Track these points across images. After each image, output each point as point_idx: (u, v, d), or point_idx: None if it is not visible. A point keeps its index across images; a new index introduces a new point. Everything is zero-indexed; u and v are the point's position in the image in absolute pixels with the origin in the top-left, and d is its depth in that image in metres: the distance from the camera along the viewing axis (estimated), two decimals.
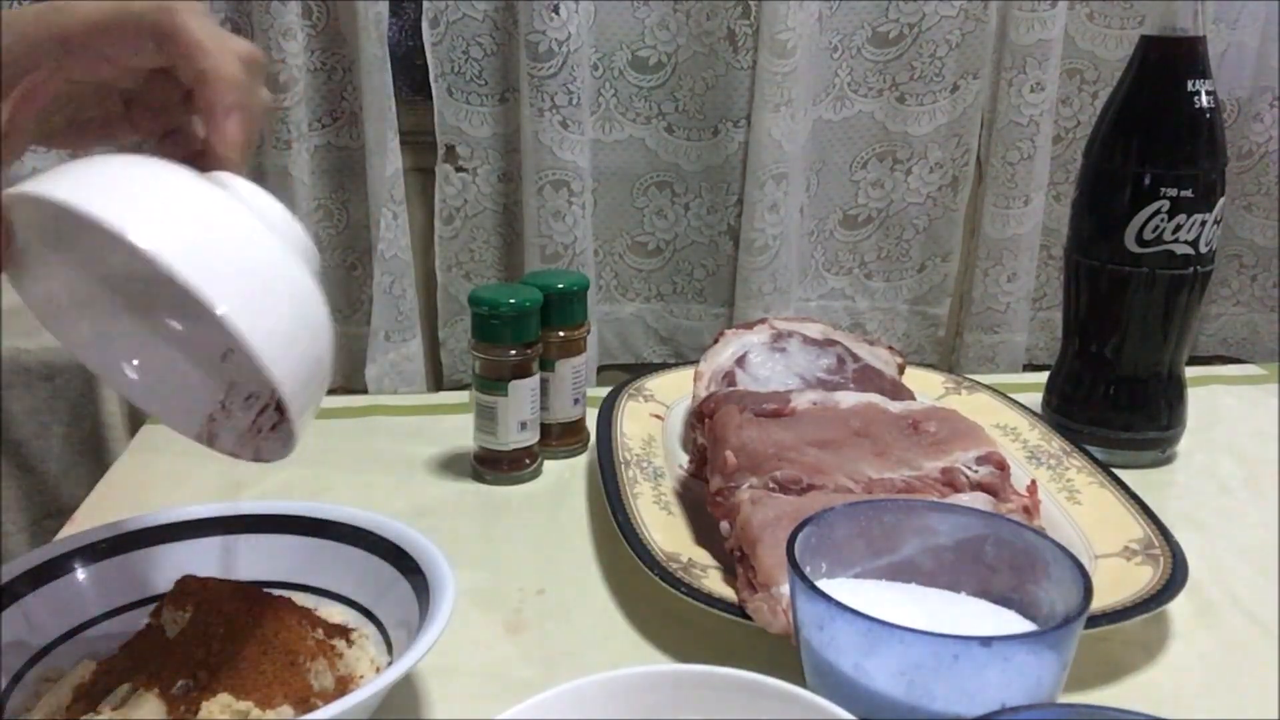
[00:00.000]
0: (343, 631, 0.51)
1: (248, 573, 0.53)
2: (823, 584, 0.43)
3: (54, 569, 0.51)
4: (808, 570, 0.43)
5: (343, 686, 0.47)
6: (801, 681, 0.40)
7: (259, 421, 0.48)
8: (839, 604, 0.40)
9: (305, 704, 0.45)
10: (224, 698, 0.44)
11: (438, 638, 0.45)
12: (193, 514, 0.55)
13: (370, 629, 0.52)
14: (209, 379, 0.50)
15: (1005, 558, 0.46)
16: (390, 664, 0.46)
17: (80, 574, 0.52)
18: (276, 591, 0.52)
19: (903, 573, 0.47)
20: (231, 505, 0.56)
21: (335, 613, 0.53)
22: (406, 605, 0.50)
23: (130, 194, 0.38)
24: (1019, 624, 0.44)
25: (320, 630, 0.50)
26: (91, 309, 0.48)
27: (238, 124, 0.43)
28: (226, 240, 0.39)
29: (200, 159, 0.43)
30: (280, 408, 0.46)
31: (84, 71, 0.44)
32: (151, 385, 0.50)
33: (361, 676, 0.49)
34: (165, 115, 0.48)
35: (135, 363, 0.50)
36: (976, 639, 0.38)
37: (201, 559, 0.53)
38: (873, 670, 0.39)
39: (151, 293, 0.48)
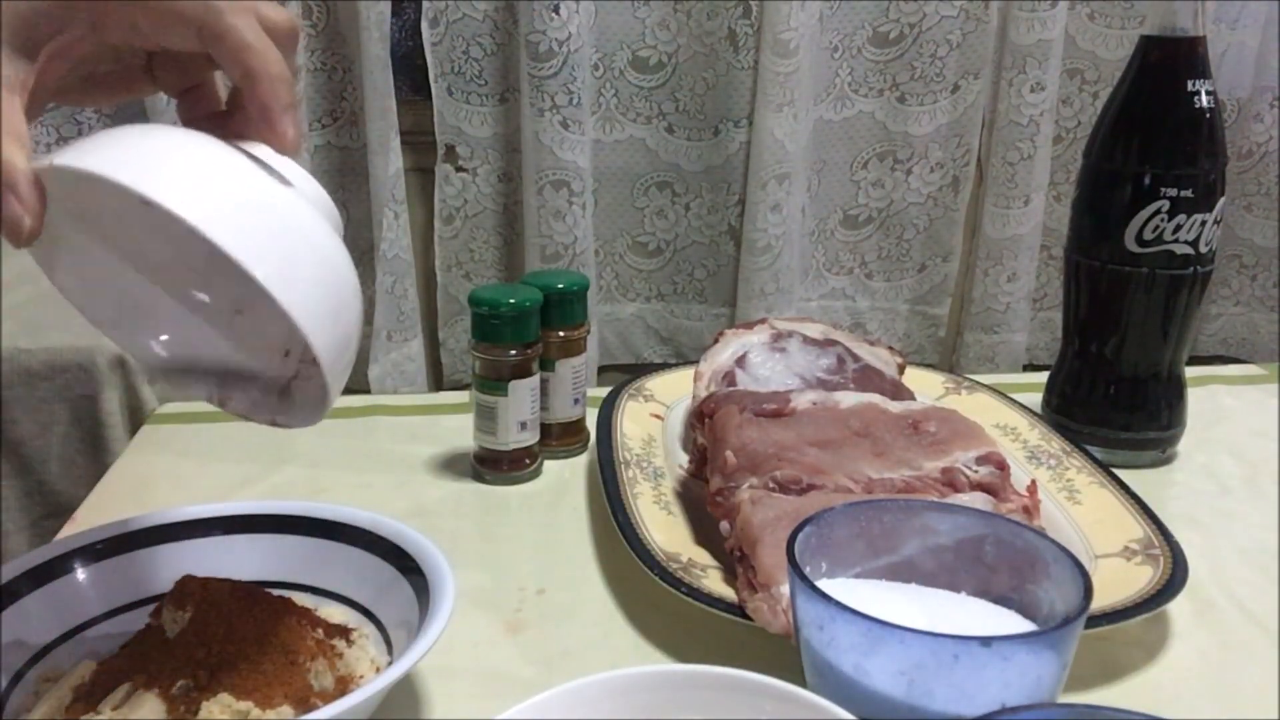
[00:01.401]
0: (343, 631, 0.51)
1: (247, 573, 0.53)
2: (823, 584, 0.43)
3: (54, 569, 0.51)
4: (807, 570, 0.43)
5: (343, 686, 0.47)
6: (801, 681, 0.40)
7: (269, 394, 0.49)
8: (839, 604, 0.40)
9: (305, 704, 0.45)
10: (224, 698, 0.44)
11: (438, 638, 0.45)
12: (193, 514, 0.55)
13: (370, 629, 0.52)
14: (227, 344, 0.49)
15: (1005, 558, 0.46)
16: (390, 664, 0.46)
17: (80, 574, 0.52)
18: (276, 591, 0.52)
19: (903, 573, 0.47)
20: (231, 505, 0.56)
21: (335, 613, 0.53)
22: (406, 605, 0.50)
23: (160, 161, 0.38)
24: (1019, 624, 0.44)
25: (320, 630, 0.50)
26: (115, 286, 0.48)
27: (293, 122, 0.43)
28: (260, 205, 0.39)
29: (223, 120, 0.43)
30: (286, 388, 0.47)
31: (119, 38, 0.42)
32: (176, 356, 0.50)
33: (361, 676, 0.49)
34: (188, 71, 0.46)
35: (163, 338, 0.50)
36: (976, 639, 0.38)
37: (201, 559, 0.53)
38: (873, 670, 0.39)
39: (174, 264, 0.48)
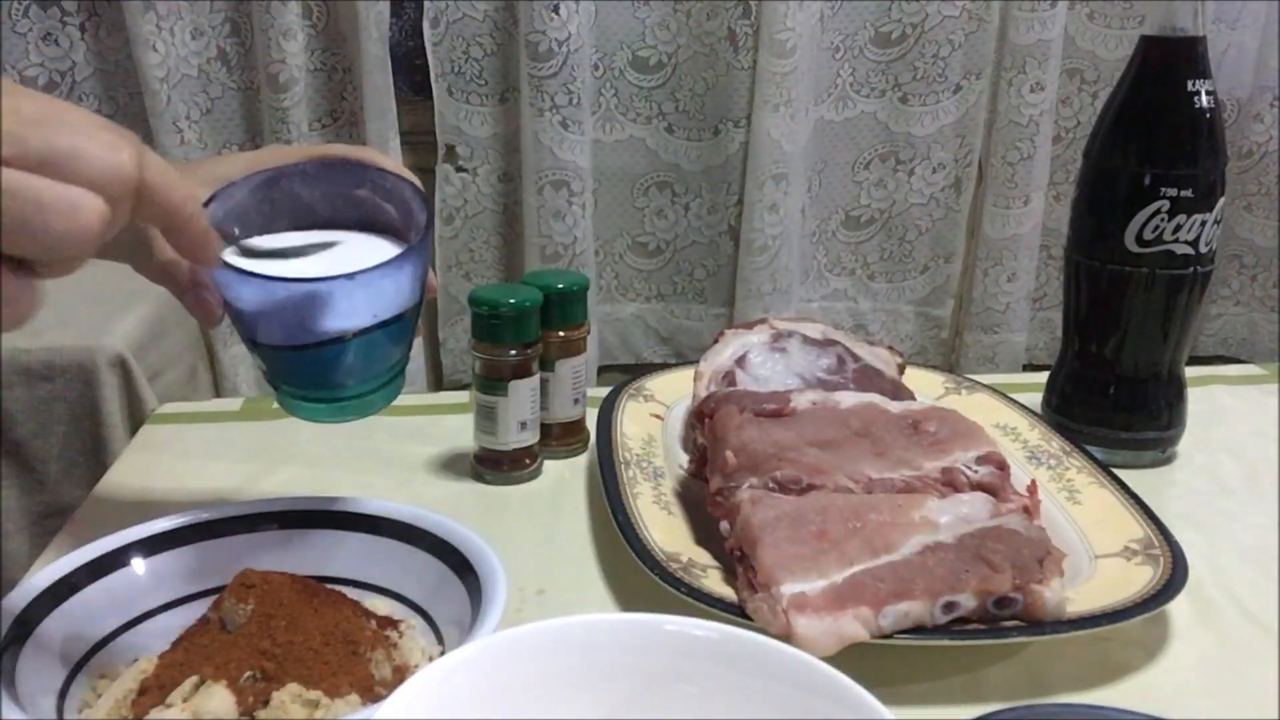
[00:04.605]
0: (391, 623, 0.52)
1: (291, 567, 0.53)
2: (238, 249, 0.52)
3: (111, 562, 0.52)
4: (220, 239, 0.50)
5: (400, 675, 0.48)
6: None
7: None
8: (236, 269, 0.48)
9: (370, 692, 0.46)
10: (294, 687, 0.45)
11: (500, 616, 0.46)
12: (235, 511, 0.56)
13: (417, 620, 0.52)
14: None
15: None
16: (443, 652, 0.47)
17: (136, 568, 0.52)
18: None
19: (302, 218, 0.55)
20: (276, 502, 0.58)
21: (380, 605, 0.53)
22: (457, 600, 0.50)
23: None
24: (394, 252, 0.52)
25: (373, 621, 0.51)
26: None
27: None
28: None
29: None
30: None
31: None
32: None
33: (415, 665, 0.49)
34: None
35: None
36: (342, 276, 0.48)
37: (246, 554, 0.54)
38: (273, 311, 0.49)
39: None
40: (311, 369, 0.52)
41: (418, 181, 0.55)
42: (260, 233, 0.54)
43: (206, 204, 0.51)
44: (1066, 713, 0.36)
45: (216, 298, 0.51)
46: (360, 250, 0.54)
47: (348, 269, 0.49)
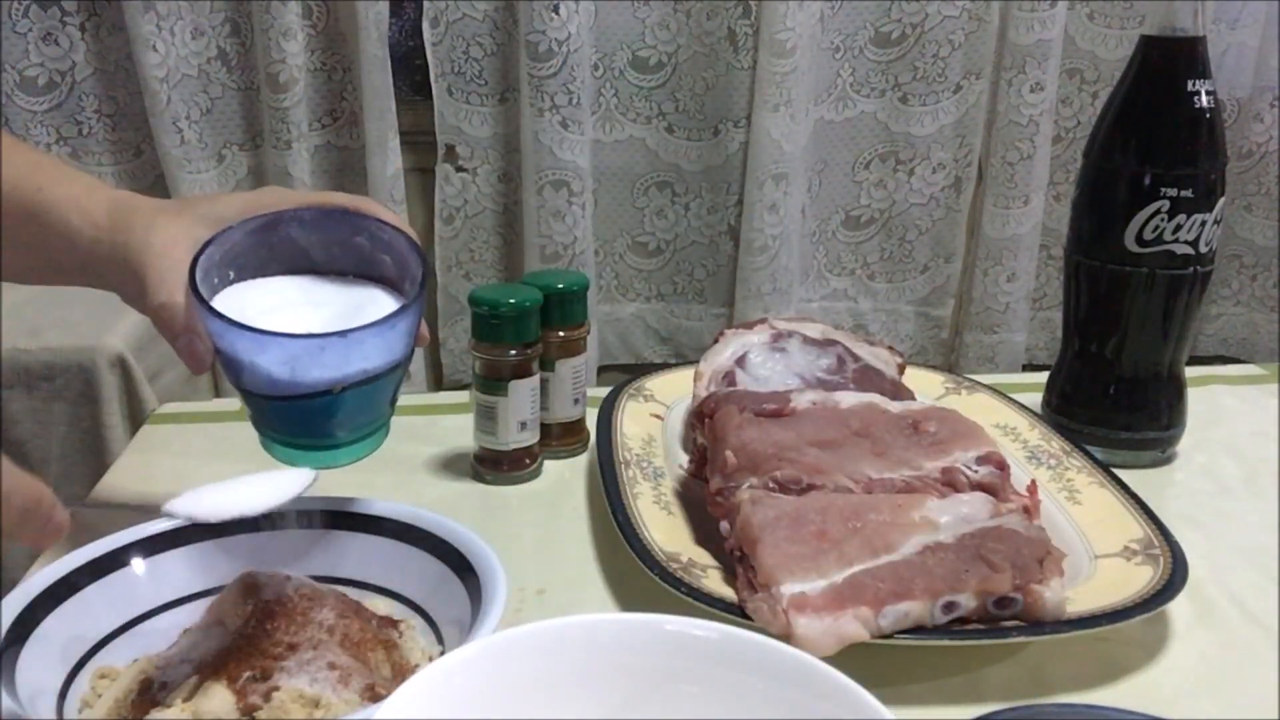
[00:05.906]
0: (391, 623, 0.52)
1: (292, 567, 0.53)
2: (231, 290, 0.53)
3: (111, 562, 0.52)
4: (216, 282, 0.52)
5: (400, 675, 0.48)
6: None
7: None
8: (231, 321, 0.49)
9: (370, 691, 0.46)
10: (295, 687, 0.45)
11: (500, 616, 0.46)
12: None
13: (417, 620, 0.52)
14: None
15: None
16: (443, 652, 0.47)
17: (136, 568, 0.52)
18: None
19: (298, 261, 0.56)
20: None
21: (380, 605, 0.54)
22: (457, 599, 0.50)
23: None
24: (388, 303, 0.54)
25: (374, 622, 0.51)
26: None
27: None
28: None
29: None
30: None
31: None
32: None
33: (416, 665, 0.49)
34: None
35: None
36: (336, 334, 0.49)
37: (248, 554, 0.54)
38: (265, 363, 0.50)
39: None
40: (297, 418, 0.53)
41: (415, 236, 0.56)
42: (255, 276, 0.55)
43: (204, 248, 0.52)
44: (1066, 713, 0.36)
45: (208, 345, 0.52)
46: (353, 300, 0.55)
47: (342, 324, 0.50)
